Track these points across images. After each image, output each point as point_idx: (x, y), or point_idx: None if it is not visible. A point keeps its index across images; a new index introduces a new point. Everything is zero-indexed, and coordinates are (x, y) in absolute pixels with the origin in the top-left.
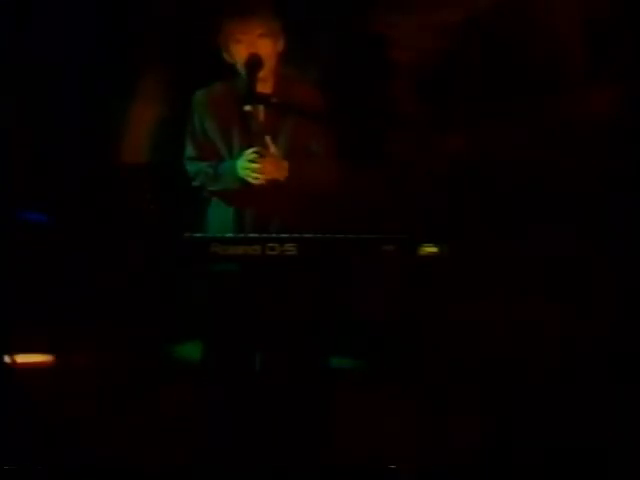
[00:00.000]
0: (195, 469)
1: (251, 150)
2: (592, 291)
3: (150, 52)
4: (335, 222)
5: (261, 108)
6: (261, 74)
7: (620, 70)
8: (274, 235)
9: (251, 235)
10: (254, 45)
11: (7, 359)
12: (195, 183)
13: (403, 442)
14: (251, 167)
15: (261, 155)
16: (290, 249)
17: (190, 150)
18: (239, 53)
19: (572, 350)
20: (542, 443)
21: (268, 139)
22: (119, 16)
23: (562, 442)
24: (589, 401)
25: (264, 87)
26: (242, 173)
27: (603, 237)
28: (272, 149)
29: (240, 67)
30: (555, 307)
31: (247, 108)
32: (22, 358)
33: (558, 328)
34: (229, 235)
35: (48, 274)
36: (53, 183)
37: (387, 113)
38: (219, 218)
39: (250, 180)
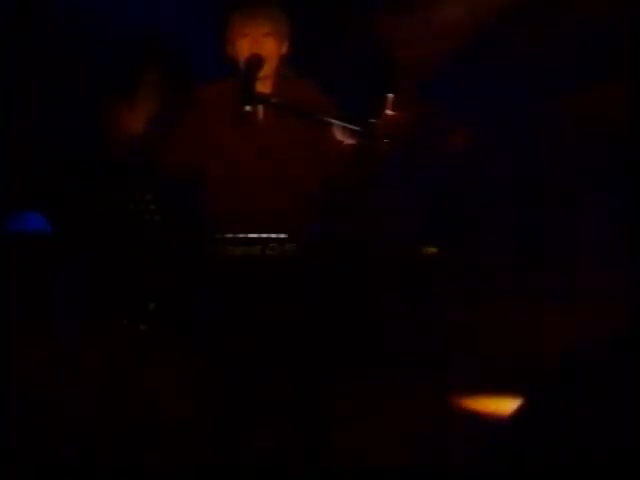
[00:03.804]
0: (195, 469)
1: None
2: (592, 290)
3: (149, 51)
4: (334, 222)
5: (261, 108)
6: (261, 74)
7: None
8: (274, 235)
9: (251, 235)
10: (258, 43)
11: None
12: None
13: (404, 442)
14: None
15: None
16: (290, 249)
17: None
18: (242, 49)
19: (573, 349)
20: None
21: None
22: (117, 16)
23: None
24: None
25: (264, 87)
26: None
27: (601, 237)
28: None
29: (241, 64)
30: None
31: (247, 108)
32: None
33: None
34: (229, 235)
35: (48, 275)
36: (53, 183)
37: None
38: (215, 215)
39: None
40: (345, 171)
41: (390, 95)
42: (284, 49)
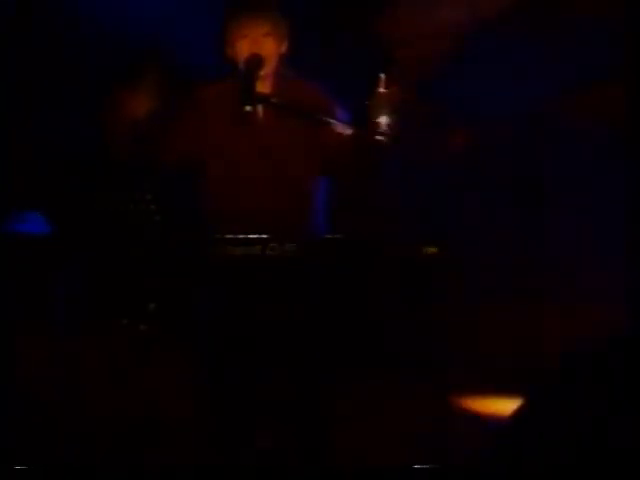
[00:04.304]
0: (195, 469)
1: None
2: (592, 290)
3: (149, 51)
4: (336, 222)
5: (261, 108)
6: (261, 74)
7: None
8: (274, 235)
9: (251, 235)
10: (258, 43)
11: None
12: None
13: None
14: None
15: None
16: (290, 249)
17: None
18: (242, 49)
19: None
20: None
21: None
22: (117, 17)
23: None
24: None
25: (264, 87)
26: None
27: (600, 237)
28: None
29: (241, 64)
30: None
31: (247, 108)
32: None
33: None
34: (229, 235)
35: (48, 274)
36: (53, 183)
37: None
38: (215, 215)
39: None
40: (345, 161)
41: (382, 75)
42: (284, 49)
